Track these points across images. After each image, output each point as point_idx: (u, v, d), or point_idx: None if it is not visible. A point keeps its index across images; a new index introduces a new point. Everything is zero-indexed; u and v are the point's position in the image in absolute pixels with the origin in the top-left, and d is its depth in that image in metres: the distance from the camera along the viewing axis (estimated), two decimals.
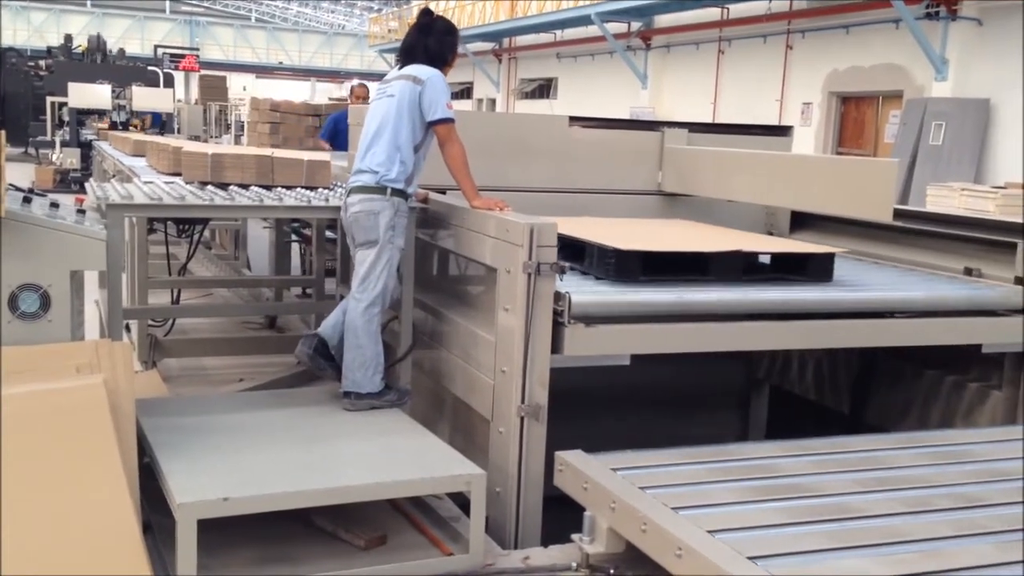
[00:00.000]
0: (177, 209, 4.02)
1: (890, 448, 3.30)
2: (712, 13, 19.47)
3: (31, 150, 18.76)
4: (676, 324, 3.69)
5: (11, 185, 3.43)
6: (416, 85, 4.05)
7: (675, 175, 5.68)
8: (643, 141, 5.78)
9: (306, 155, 5.51)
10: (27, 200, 3.34)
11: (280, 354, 5.45)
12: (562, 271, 3.52)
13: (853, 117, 17.53)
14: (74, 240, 3.21)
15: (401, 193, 4.03)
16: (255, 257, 8.06)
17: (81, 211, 3.56)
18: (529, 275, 3.47)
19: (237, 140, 19.44)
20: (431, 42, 4.21)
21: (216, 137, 22.09)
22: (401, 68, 4.21)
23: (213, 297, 6.61)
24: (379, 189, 4.00)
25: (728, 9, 19.08)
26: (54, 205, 3.43)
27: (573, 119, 5.70)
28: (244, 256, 8.09)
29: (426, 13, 4.38)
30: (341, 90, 52.22)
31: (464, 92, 32.40)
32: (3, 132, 2.89)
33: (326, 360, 4.09)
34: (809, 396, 5.31)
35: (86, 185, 4.37)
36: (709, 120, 19.00)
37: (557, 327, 3.53)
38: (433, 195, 4.49)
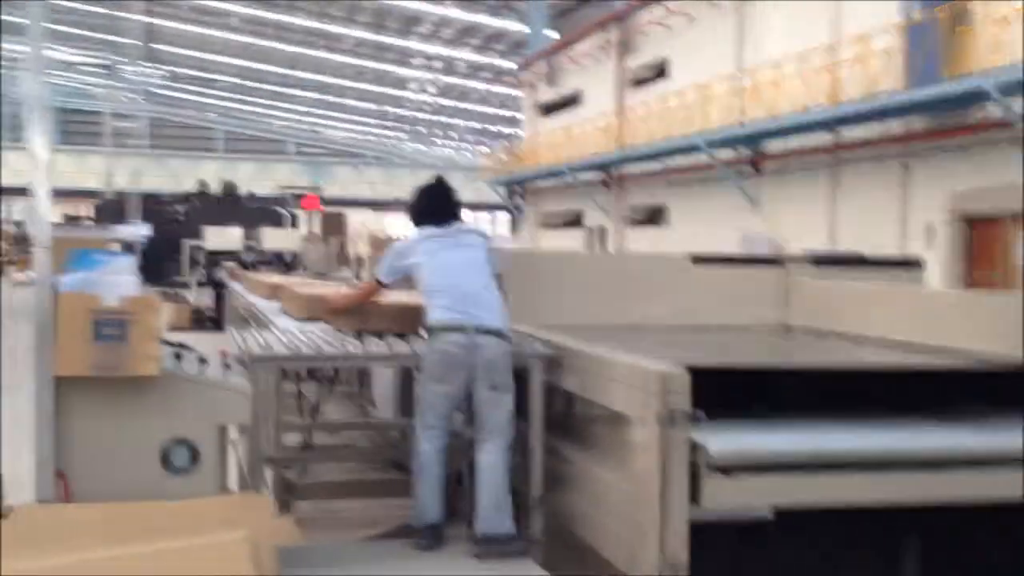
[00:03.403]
0: (314, 360, 4.16)
1: None
2: (824, 138, 19.44)
3: (168, 289, 19.84)
4: (825, 474, 3.53)
5: (163, 341, 3.62)
6: (485, 240, 4.59)
7: (801, 310, 5.58)
8: (767, 276, 5.74)
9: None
10: (178, 356, 3.51)
11: (410, 497, 5.45)
12: (697, 419, 3.45)
13: (980, 239, 16.98)
14: (222, 395, 3.34)
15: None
16: (380, 393, 8.19)
17: (227, 364, 3.71)
18: (662, 423, 3.41)
19: (357, 275, 20.09)
20: (456, 202, 4.70)
21: (337, 272, 22.89)
22: (440, 226, 4.53)
23: (341, 437, 6.71)
24: (506, 336, 4.26)
25: (840, 133, 19.04)
26: (202, 360, 3.59)
27: (696, 258, 5.71)
28: (369, 394, 8.23)
29: (439, 180, 4.85)
30: None
31: (574, 220, 32.92)
32: (159, 299, 3.08)
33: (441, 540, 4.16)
34: (970, 555, 4.94)
35: (227, 333, 4.56)
36: (827, 246, 18.76)
37: (694, 477, 3.44)
38: (559, 338, 4.53)
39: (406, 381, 7.00)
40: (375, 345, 4.50)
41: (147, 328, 3.04)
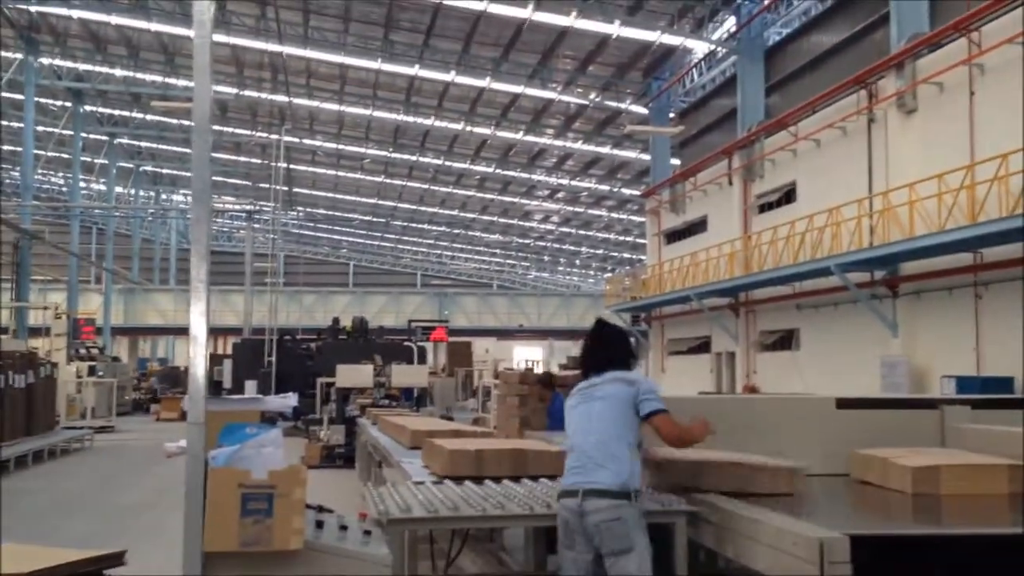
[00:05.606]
0: (452, 522, 4.10)
1: None
2: (964, 258, 18.68)
3: (300, 424, 20.28)
4: None
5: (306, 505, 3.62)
6: (629, 387, 4.25)
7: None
8: (919, 420, 5.42)
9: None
10: (319, 524, 3.50)
11: None
12: None
13: None
14: (362, 567, 3.30)
15: (639, 492, 4.11)
16: (513, 541, 8.02)
17: (367, 531, 3.68)
18: None
19: (483, 407, 20.15)
20: (606, 348, 4.48)
21: (462, 401, 23.04)
22: (590, 377, 4.39)
23: None
24: (624, 494, 4.04)
25: (982, 253, 18.27)
26: (343, 527, 3.57)
27: (840, 402, 5.45)
28: (500, 540, 8.07)
29: (600, 323, 4.70)
30: (576, 347, 53.89)
31: (702, 346, 32.35)
32: (304, 469, 3.09)
33: None
34: None
35: (365, 494, 4.55)
36: (972, 371, 17.82)
37: None
38: (708, 496, 4.35)
39: (539, 529, 6.85)
40: (513, 503, 4.42)
41: (292, 501, 3.06)
